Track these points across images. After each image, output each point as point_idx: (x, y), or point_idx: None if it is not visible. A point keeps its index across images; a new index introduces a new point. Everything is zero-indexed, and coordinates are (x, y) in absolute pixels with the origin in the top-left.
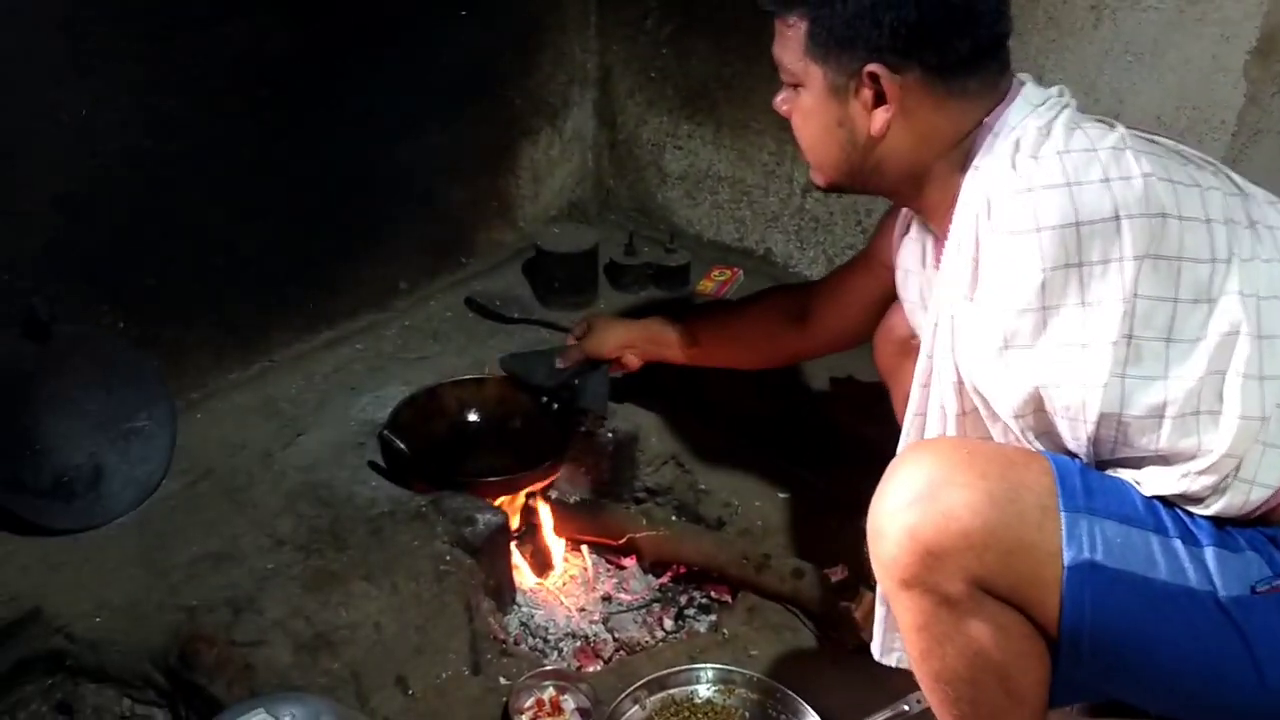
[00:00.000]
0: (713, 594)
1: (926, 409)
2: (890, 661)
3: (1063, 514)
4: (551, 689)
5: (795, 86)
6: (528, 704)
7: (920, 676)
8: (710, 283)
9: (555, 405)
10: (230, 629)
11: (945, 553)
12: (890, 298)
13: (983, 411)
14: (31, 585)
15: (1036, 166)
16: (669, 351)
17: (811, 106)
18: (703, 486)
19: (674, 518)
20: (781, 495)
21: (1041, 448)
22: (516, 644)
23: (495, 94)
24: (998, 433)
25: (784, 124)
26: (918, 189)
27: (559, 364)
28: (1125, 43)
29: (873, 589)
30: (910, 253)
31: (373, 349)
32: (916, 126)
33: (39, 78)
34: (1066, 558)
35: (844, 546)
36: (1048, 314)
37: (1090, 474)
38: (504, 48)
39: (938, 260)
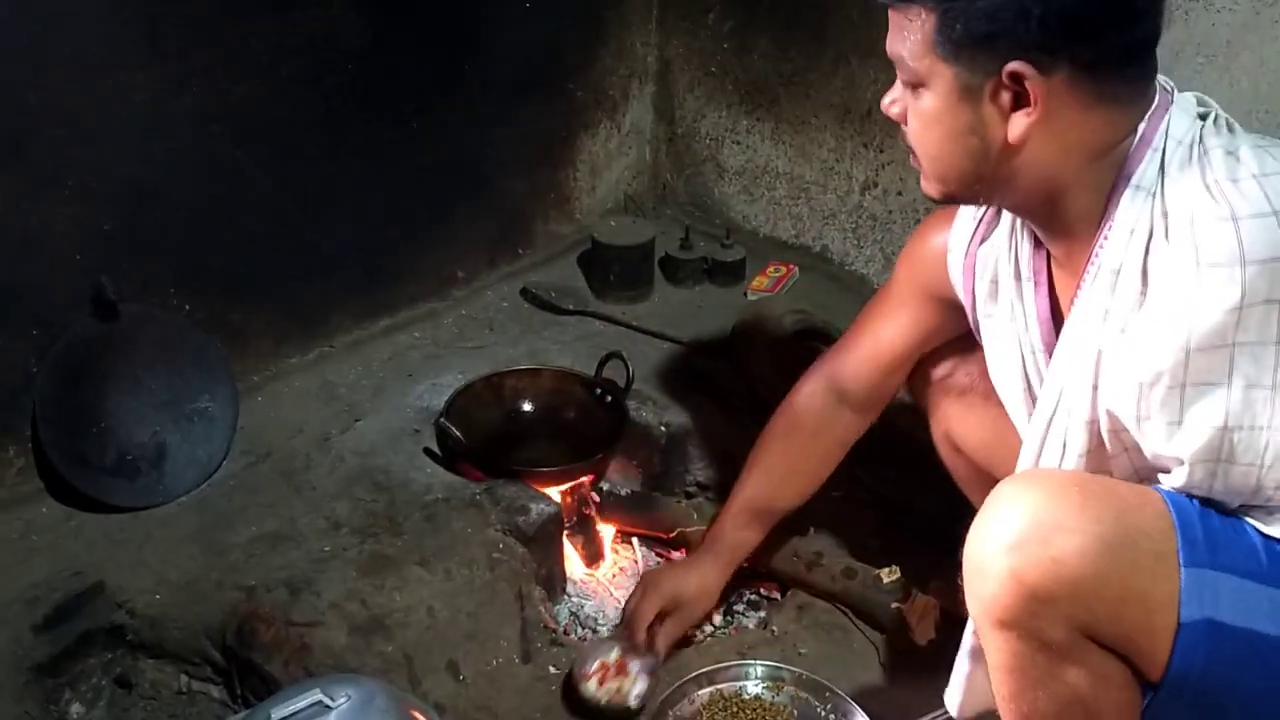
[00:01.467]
0: (762, 590)
1: (1044, 444)
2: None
3: (1183, 569)
4: (617, 651)
5: (914, 87)
6: (593, 668)
7: (1004, 713)
8: (765, 279)
9: (609, 397)
10: (287, 609)
11: (1052, 599)
12: (934, 341)
13: (1114, 449)
14: (95, 560)
15: (1237, 192)
16: (742, 554)
17: (936, 110)
18: None
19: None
20: (834, 494)
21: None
22: (566, 634)
23: (556, 86)
24: (1119, 469)
25: (843, 119)
26: (1050, 204)
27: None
28: (1197, 44)
29: (955, 616)
30: (997, 264)
31: (430, 337)
32: (1061, 134)
33: (116, 61)
34: (1184, 613)
35: (896, 547)
36: (1237, 352)
37: (1211, 518)
38: (566, 40)
39: (1044, 276)
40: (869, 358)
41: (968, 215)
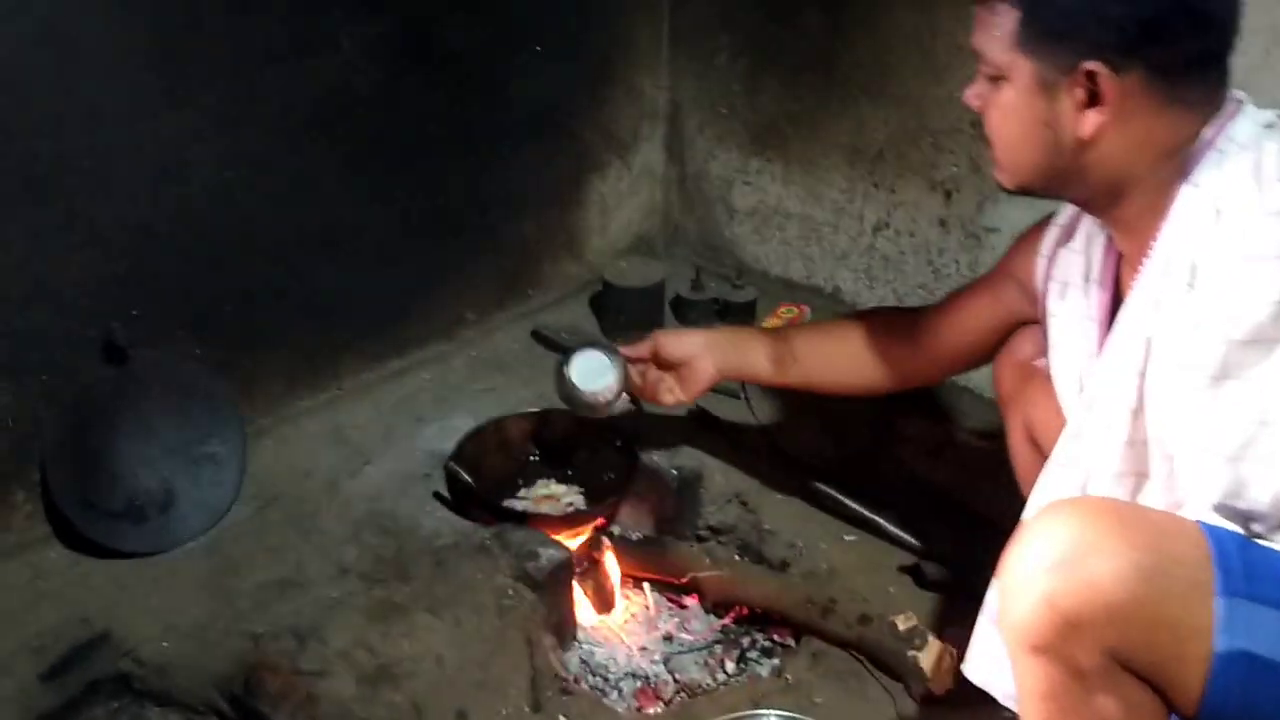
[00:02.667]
0: (775, 637)
1: (1087, 428)
2: (977, 680)
3: (1220, 598)
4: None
5: (995, 79)
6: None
7: None
8: (777, 319)
9: (619, 440)
10: (295, 657)
11: (1085, 624)
12: (1013, 322)
13: (1154, 445)
14: (102, 607)
15: None
16: (758, 365)
17: (1014, 103)
18: (767, 526)
19: (737, 558)
20: (848, 538)
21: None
22: (577, 682)
23: (566, 128)
24: (1158, 469)
25: (854, 160)
26: (1116, 200)
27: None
28: None
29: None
30: (1071, 265)
31: (439, 379)
32: (1131, 133)
33: (131, 109)
34: (1219, 644)
35: (913, 594)
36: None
37: (1251, 549)
38: (576, 82)
39: (1110, 278)
40: (948, 311)
41: (1060, 217)
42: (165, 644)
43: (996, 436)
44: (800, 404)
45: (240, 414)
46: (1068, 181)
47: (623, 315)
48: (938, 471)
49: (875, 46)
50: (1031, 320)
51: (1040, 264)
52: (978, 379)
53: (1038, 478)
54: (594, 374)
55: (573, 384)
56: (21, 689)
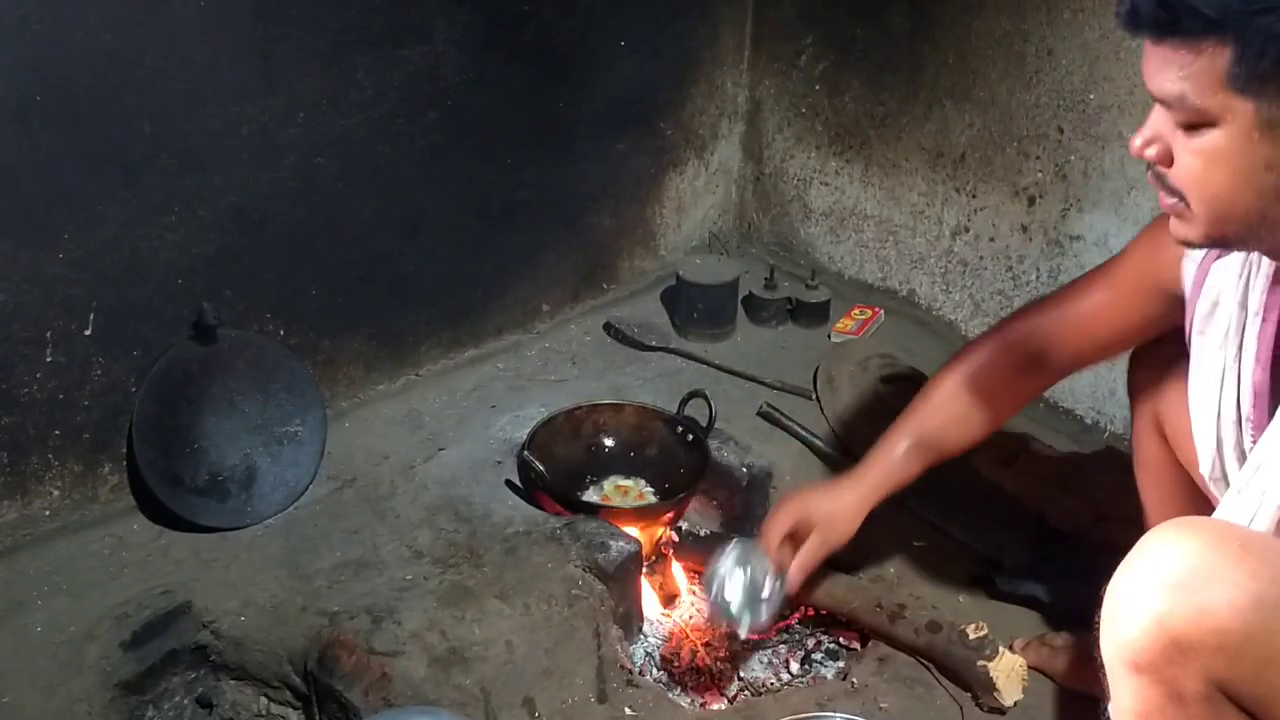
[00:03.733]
0: (842, 640)
1: (1224, 474)
2: None
3: None
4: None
5: (1193, 126)
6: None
7: None
8: (850, 320)
9: (690, 435)
10: (369, 637)
11: (1193, 649)
12: (1151, 331)
13: None
14: (183, 580)
15: None
16: (905, 484)
17: (1227, 148)
18: None
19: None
20: (917, 544)
21: None
22: (642, 674)
23: (647, 124)
24: None
25: (935, 163)
26: None
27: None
28: None
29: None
30: (1225, 285)
31: (513, 369)
32: None
33: (229, 93)
34: None
35: (984, 603)
36: None
37: None
38: (659, 79)
39: (1274, 314)
40: (1081, 324)
41: None
42: (242, 618)
43: (1071, 446)
44: (870, 407)
45: (321, 395)
46: (1274, 228)
47: (695, 311)
48: (1011, 480)
49: (962, 49)
50: (1164, 329)
51: (1189, 269)
52: (1054, 389)
53: (1170, 482)
54: (749, 597)
55: (727, 607)
56: (104, 656)
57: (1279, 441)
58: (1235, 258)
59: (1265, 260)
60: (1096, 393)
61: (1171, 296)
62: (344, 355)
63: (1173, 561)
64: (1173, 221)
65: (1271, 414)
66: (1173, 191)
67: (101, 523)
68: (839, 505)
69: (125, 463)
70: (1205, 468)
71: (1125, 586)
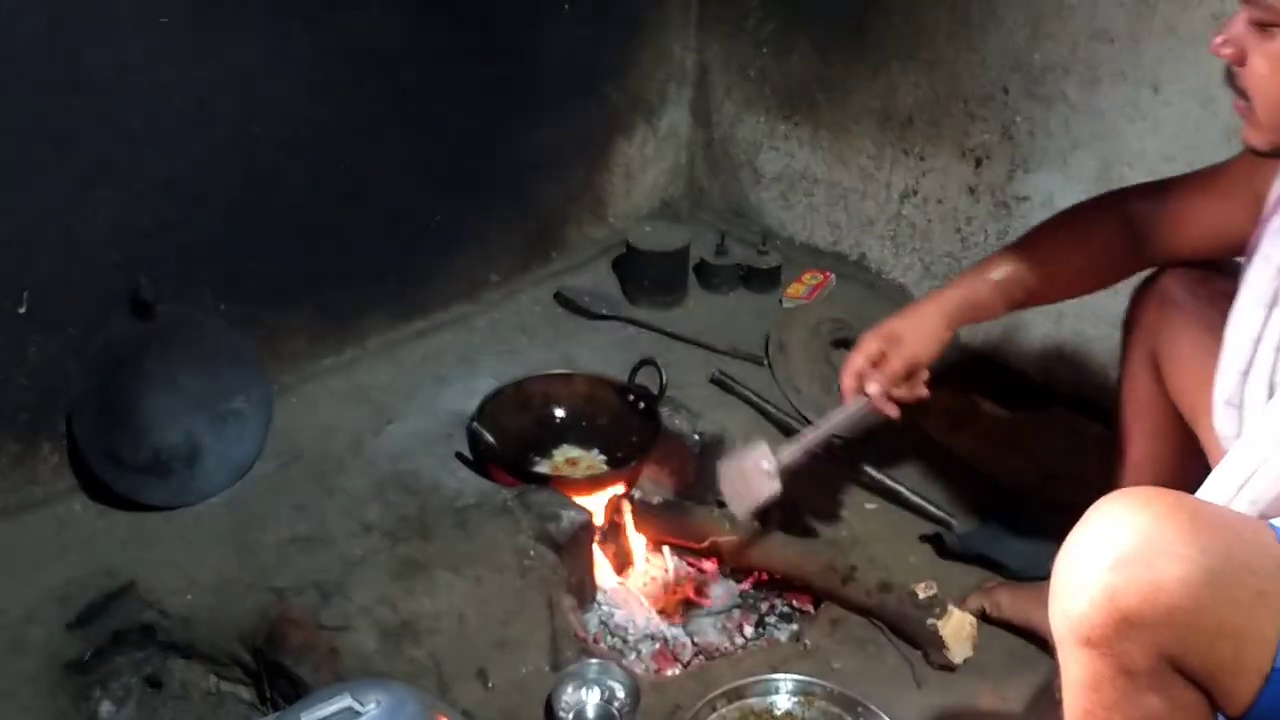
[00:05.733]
0: (794, 603)
1: (1242, 400)
2: None
3: None
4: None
5: (1268, 25)
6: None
7: None
8: (801, 286)
9: (642, 403)
10: (318, 612)
11: (1144, 624)
12: (1239, 243)
13: None
14: (127, 559)
15: None
16: (988, 317)
17: None
18: (787, 493)
19: (757, 523)
20: (869, 506)
21: None
22: (596, 642)
23: (593, 90)
24: None
25: (884, 125)
26: None
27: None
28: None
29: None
30: None
31: (462, 340)
32: None
33: (158, 61)
34: None
35: (934, 562)
36: None
37: None
38: (604, 44)
39: None
40: (1179, 218)
41: None
42: (189, 596)
43: (1020, 407)
44: (821, 372)
45: (265, 371)
46: None
47: (646, 279)
48: (960, 442)
49: (908, 8)
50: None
51: (1278, 189)
52: (1002, 351)
53: (1146, 409)
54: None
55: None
56: (48, 637)
57: None
58: None
59: None
60: (1045, 355)
61: (1255, 215)
62: (287, 329)
63: (1123, 535)
64: (1244, 126)
65: None
66: (1242, 94)
67: (43, 503)
68: (924, 321)
69: (65, 442)
70: (1223, 388)
71: (1075, 560)
